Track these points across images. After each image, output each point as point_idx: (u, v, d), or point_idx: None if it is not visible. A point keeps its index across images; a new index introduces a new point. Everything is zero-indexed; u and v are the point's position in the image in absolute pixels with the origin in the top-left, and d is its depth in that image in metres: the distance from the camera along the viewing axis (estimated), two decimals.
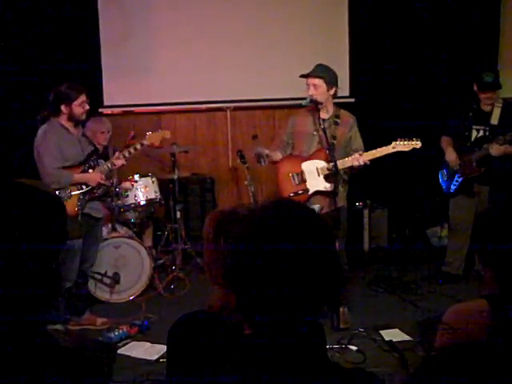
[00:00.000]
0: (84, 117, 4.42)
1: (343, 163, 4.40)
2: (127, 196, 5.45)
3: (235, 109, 6.63)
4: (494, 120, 4.88)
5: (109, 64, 6.40)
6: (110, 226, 5.24)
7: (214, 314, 1.60)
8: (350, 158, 4.40)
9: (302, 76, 4.45)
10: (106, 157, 5.30)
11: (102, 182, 4.50)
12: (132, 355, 3.98)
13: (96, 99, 6.37)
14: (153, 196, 5.57)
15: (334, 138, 4.44)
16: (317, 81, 4.42)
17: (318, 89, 4.42)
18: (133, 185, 5.48)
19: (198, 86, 6.42)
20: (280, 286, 1.22)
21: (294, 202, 1.38)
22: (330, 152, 4.37)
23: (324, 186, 4.42)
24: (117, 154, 4.68)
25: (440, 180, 5.26)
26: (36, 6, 6.04)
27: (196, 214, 6.27)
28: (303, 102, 4.52)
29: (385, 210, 6.34)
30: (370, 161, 4.41)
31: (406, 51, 6.30)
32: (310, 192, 4.48)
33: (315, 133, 4.51)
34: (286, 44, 6.42)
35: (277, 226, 1.25)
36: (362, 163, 4.36)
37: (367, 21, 6.34)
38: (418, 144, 4.38)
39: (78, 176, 4.40)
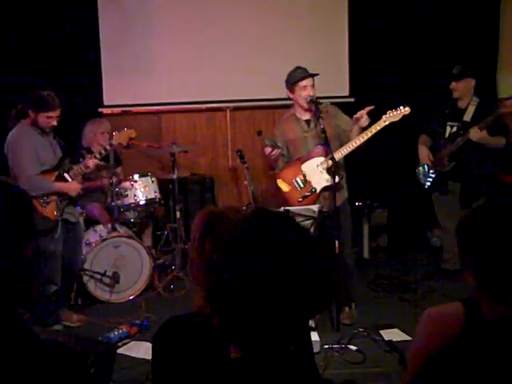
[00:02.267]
0: (48, 130, 4.31)
1: (354, 143, 4.34)
2: (127, 196, 5.45)
3: (235, 109, 6.63)
4: (467, 117, 5.01)
5: (108, 64, 6.40)
6: (109, 225, 5.23)
7: (194, 316, 1.57)
8: (346, 144, 4.35)
9: (311, 75, 4.44)
10: (106, 157, 5.33)
11: (81, 190, 4.54)
12: (132, 355, 3.97)
13: (95, 99, 6.39)
14: (152, 196, 5.56)
15: (324, 131, 4.33)
16: (313, 80, 4.45)
17: (313, 88, 4.45)
18: (132, 184, 5.48)
19: (198, 86, 6.42)
20: (267, 307, 1.18)
21: (279, 216, 1.35)
22: (323, 147, 4.37)
23: (326, 179, 4.40)
24: (88, 156, 4.70)
25: (416, 177, 5.34)
26: (35, 5, 6.03)
27: (196, 213, 6.20)
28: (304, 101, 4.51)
29: (384, 210, 6.35)
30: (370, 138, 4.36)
31: (405, 51, 6.30)
32: (318, 190, 4.46)
33: (305, 134, 4.51)
34: (286, 44, 6.42)
35: (261, 244, 1.22)
36: (361, 142, 4.29)
37: (367, 20, 6.33)
38: (407, 110, 4.36)
39: (58, 185, 4.35)
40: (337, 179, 4.28)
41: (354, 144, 4.33)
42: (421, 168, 5.26)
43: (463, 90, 4.99)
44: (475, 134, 4.75)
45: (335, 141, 4.43)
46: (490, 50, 6.32)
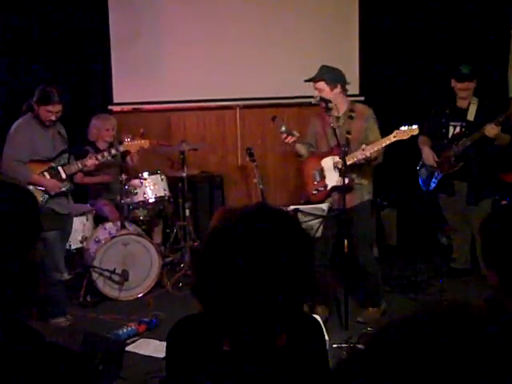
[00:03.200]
0: (48, 124, 4.42)
1: (350, 159, 4.36)
2: (136, 193, 5.46)
3: (244, 107, 6.63)
4: (471, 116, 4.98)
5: (119, 61, 6.40)
6: (118, 223, 5.25)
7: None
8: (354, 153, 4.37)
9: (306, 80, 4.47)
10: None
11: (59, 191, 4.51)
12: (140, 352, 3.99)
13: (106, 96, 6.41)
14: (162, 194, 5.57)
15: (349, 132, 4.42)
16: (318, 84, 4.43)
17: (322, 91, 4.42)
18: (142, 182, 5.49)
19: (208, 84, 6.41)
20: (245, 298, 1.20)
21: (274, 211, 1.36)
22: (340, 148, 4.36)
23: (336, 180, 4.41)
24: (90, 155, 4.76)
25: (419, 179, 5.31)
26: (46, 3, 6.05)
27: (205, 211, 6.27)
28: (312, 101, 4.53)
29: (394, 209, 6.32)
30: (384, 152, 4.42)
31: (416, 49, 6.27)
32: (328, 187, 4.48)
33: (331, 131, 4.53)
34: (295, 43, 6.41)
35: (247, 235, 1.24)
36: (364, 157, 4.32)
37: (377, 19, 6.31)
38: (415, 130, 4.36)
39: (36, 177, 4.42)
40: (347, 180, 4.28)
41: (363, 155, 4.33)
42: (423, 169, 5.22)
43: (471, 90, 4.97)
44: (491, 130, 4.68)
45: (358, 143, 4.41)
46: (500, 48, 6.27)
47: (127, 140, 4.91)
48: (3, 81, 5.84)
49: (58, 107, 4.35)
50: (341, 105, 4.49)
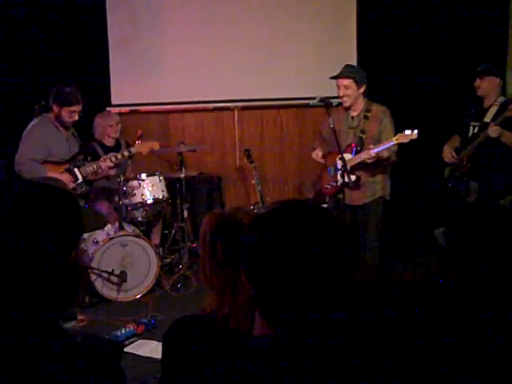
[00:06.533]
0: (70, 125, 4.50)
1: (356, 158, 4.51)
2: (134, 194, 5.45)
3: (243, 108, 6.63)
4: (488, 118, 4.88)
5: (117, 63, 6.40)
6: (117, 224, 5.24)
7: (208, 317, 1.57)
8: (360, 153, 4.50)
9: (332, 77, 4.58)
10: (117, 149, 5.40)
11: (73, 186, 4.60)
12: (138, 353, 3.99)
13: (104, 98, 6.41)
14: (160, 195, 5.56)
15: (363, 132, 4.55)
16: (346, 81, 4.54)
17: (348, 89, 4.55)
18: (140, 183, 5.48)
19: (206, 86, 6.42)
20: (298, 282, 1.22)
21: (302, 203, 1.39)
22: (350, 147, 4.54)
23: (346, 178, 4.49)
24: (104, 157, 4.75)
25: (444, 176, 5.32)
26: (44, 5, 6.05)
27: (203, 213, 6.26)
28: (311, 102, 4.57)
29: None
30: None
31: (414, 49, 6.28)
32: (339, 183, 4.55)
33: (348, 130, 4.67)
34: (294, 44, 6.42)
35: (293, 225, 1.26)
36: (368, 156, 4.43)
37: (375, 19, 6.32)
38: (415, 136, 4.40)
39: (52, 174, 4.46)
40: (353, 178, 4.42)
41: (368, 155, 4.44)
42: (448, 168, 5.18)
43: (487, 89, 4.86)
44: (493, 130, 4.60)
45: (373, 143, 4.50)
46: (498, 48, 6.28)
47: (138, 142, 5.06)
48: (1, 82, 5.85)
49: (80, 106, 4.44)
50: (359, 105, 4.64)
